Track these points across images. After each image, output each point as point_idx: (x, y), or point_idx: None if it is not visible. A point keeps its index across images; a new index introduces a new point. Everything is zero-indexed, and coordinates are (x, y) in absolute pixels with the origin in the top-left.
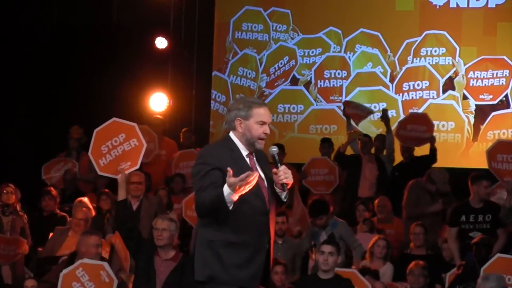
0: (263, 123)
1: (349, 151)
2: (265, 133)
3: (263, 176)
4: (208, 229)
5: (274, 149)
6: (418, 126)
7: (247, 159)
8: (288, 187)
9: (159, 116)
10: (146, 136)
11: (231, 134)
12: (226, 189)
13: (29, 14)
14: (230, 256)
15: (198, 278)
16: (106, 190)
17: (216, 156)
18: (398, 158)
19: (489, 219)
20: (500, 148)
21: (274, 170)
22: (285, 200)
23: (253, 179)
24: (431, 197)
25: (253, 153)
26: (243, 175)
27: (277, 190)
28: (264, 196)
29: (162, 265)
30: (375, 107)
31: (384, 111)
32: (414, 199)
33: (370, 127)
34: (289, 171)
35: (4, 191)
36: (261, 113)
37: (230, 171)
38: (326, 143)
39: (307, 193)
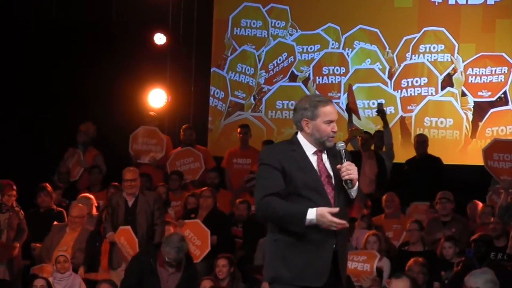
0: (331, 121)
1: (349, 148)
2: (333, 131)
3: (331, 173)
4: (274, 229)
5: (341, 144)
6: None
7: (314, 157)
8: (354, 183)
9: (152, 112)
10: (154, 138)
11: (298, 135)
12: (311, 214)
13: (27, 10)
14: (294, 255)
15: (264, 279)
16: (116, 183)
17: (275, 156)
18: (398, 154)
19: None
20: (496, 147)
21: (338, 166)
22: (353, 197)
23: (341, 227)
24: (444, 224)
25: (323, 150)
26: (337, 220)
27: (346, 187)
28: (327, 194)
29: (168, 279)
30: (373, 103)
31: (380, 105)
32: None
33: (369, 123)
34: (354, 168)
35: (8, 194)
36: (328, 111)
37: (334, 209)
38: None
39: None
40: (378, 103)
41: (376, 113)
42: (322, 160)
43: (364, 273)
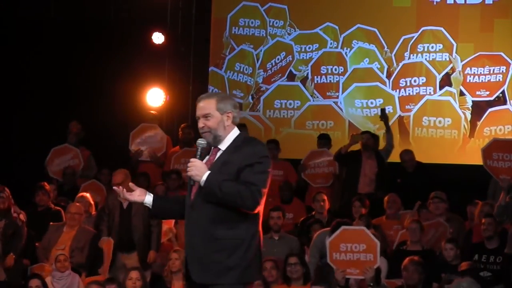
0: (198, 117)
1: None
2: (200, 127)
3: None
4: None
5: (199, 141)
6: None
7: (214, 152)
8: (196, 179)
9: (153, 112)
10: (155, 134)
11: None
12: None
13: (25, 9)
14: None
15: None
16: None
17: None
18: (396, 154)
19: (499, 261)
20: (495, 147)
21: None
22: (202, 188)
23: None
24: None
25: (219, 147)
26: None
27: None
28: (192, 188)
29: None
30: (371, 103)
31: (383, 111)
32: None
33: (367, 122)
34: (194, 165)
35: None
36: (196, 108)
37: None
38: (323, 139)
39: (305, 187)
40: (382, 109)
41: (380, 118)
42: (216, 155)
43: (368, 263)
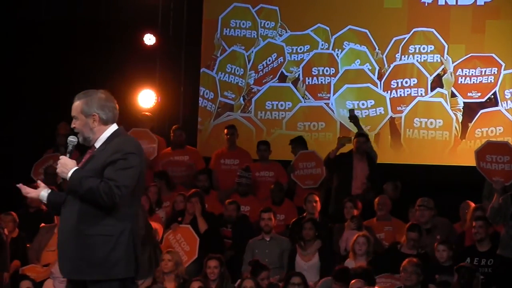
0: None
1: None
2: (72, 127)
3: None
4: None
5: (72, 139)
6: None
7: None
8: (59, 177)
9: (147, 113)
10: (146, 139)
11: None
12: None
13: (15, 10)
14: None
15: None
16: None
17: None
18: (387, 156)
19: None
20: (489, 149)
21: None
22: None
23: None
24: (427, 232)
25: (98, 147)
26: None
27: None
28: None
29: None
30: (363, 104)
31: (351, 111)
32: None
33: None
34: (61, 162)
35: None
36: None
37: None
38: (293, 143)
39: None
40: (350, 109)
41: (349, 119)
42: (90, 155)
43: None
